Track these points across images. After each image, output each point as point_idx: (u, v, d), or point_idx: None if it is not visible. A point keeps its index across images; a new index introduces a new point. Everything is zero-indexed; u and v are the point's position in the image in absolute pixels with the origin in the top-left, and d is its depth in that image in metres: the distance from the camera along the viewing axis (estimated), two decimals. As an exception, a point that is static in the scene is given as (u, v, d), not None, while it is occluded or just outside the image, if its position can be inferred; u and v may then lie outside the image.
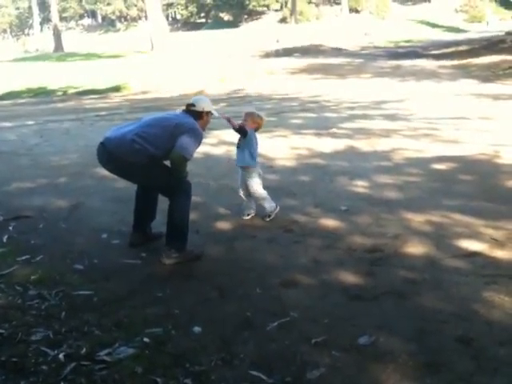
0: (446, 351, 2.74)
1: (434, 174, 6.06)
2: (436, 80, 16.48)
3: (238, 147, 4.73)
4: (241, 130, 4.56)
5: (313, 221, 4.74)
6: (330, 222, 4.68)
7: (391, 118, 9.93)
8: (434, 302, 3.25)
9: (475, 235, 4.22)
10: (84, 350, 2.85)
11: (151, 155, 3.84)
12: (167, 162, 4.01)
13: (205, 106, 4.11)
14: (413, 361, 2.67)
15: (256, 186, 4.71)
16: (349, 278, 3.63)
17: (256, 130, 4.75)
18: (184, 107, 4.15)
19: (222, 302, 3.36)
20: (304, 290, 3.49)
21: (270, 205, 4.76)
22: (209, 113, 4.14)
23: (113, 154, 3.88)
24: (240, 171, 4.81)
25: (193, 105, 4.10)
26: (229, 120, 4.46)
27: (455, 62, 21.69)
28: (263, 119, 4.82)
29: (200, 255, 4.06)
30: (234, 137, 7.24)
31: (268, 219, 4.75)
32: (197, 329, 3.04)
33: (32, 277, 3.74)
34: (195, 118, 4.04)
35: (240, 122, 4.69)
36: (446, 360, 2.67)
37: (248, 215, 4.84)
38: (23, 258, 4.10)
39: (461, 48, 27.71)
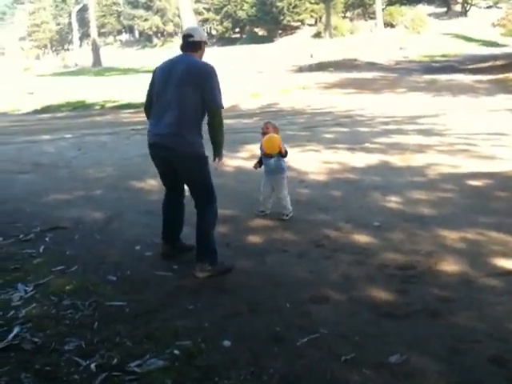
0: (478, 372, 2.69)
1: (469, 190, 5.96)
2: (472, 95, 16.24)
3: (271, 157, 5.19)
4: (284, 155, 5.20)
5: (344, 236, 4.71)
6: (361, 238, 4.65)
7: (426, 133, 9.82)
8: (467, 322, 3.18)
9: (511, 253, 4.13)
10: (115, 360, 2.89)
11: (200, 134, 3.86)
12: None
13: (202, 35, 4.02)
14: (444, 381, 2.63)
15: (285, 188, 5.27)
16: (380, 294, 3.59)
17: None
18: (182, 43, 3.99)
19: (252, 316, 3.37)
20: (334, 306, 3.47)
21: (290, 206, 5.25)
22: (205, 43, 4.05)
23: (174, 149, 3.83)
24: (269, 176, 5.29)
25: (191, 35, 3.95)
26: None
27: (492, 77, 21.36)
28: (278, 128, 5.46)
29: (231, 268, 4.07)
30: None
31: (285, 218, 5.19)
32: (226, 342, 3.05)
33: (66, 287, 3.82)
34: (195, 49, 3.95)
35: (262, 130, 5.28)
36: (478, 381, 2.62)
37: (263, 212, 5.33)
38: (58, 268, 4.18)
39: (498, 62, 27.31)
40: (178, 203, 4.31)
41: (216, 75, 3.86)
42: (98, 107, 18.43)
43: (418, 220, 5.03)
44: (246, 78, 25.85)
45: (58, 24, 77.12)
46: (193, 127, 3.84)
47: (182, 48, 4.01)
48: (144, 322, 3.31)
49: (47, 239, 4.89)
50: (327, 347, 2.96)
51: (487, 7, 65.14)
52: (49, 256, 4.48)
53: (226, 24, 69.70)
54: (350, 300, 3.54)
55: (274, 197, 5.31)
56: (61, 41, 79.76)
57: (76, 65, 53.82)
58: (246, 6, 64.42)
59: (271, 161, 5.21)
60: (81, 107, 18.58)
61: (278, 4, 60.83)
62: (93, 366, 2.85)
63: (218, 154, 3.95)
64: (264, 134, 5.17)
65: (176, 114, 3.82)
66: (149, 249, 4.50)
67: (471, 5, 63.96)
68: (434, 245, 4.41)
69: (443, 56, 37.22)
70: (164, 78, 3.92)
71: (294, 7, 61.24)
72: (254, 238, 4.75)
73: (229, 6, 66.53)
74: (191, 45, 3.97)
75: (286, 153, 5.20)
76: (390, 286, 3.70)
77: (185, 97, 3.81)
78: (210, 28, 73.57)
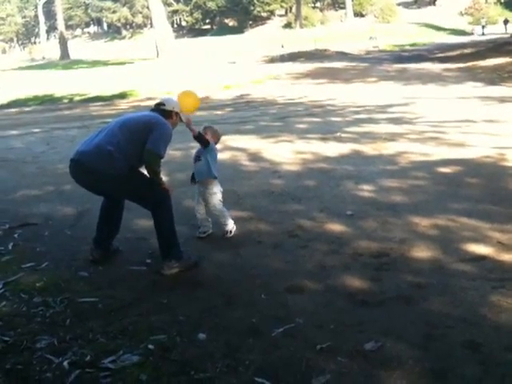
0: (452, 356, 2.72)
1: (439, 177, 6.03)
2: (441, 83, 16.43)
3: (197, 160, 4.53)
4: (201, 138, 4.35)
5: (318, 226, 4.72)
6: (335, 227, 4.66)
7: (397, 121, 9.90)
8: (440, 307, 3.22)
9: (482, 239, 4.19)
10: (88, 357, 2.85)
11: (128, 162, 3.78)
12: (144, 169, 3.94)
13: (175, 105, 4.06)
14: (419, 366, 2.65)
15: (216, 202, 4.54)
16: (355, 283, 3.61)
17: (215, 143, 4.60)
18: (153, 106, 4.11)
19: (228, 309, 3.35)
20: (309, 295, 3.47)
21: (230, 221, 4.59)
22: (178, 114, 4.08)
23: (90, 168, 3.79)
24: (198, 186, 4.59)
25: (163, 104, 4.05)
26: (189, 125, 4.20)
27: (461, 65, 21.65)
28: (221, 134, 4.77)
29: (198, 261, 4.02)
30: (239, 142, 7.21)
31: (229, 235, 4.56)
32: (202, 336, 3.03)
33: (37, 284, 3.75)
34: (164, 117, 3.97)
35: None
36: (452, 365, 2.64)
37: (204, 233, 4.57)
38: (28, 265, 4.10)
39: (466, 51, 27.70)
40: (117, 203, 4.19)
41: (168, 131, 3.87)
42: (66, 101, 18.11)
43: (390, 208, 5.06)
44: (218, 69, 25.72)
45: (24, 17, 75.57)
46: (121, 154, 3.75)
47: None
48: (118, 318, 3.26)
49: (16, 236, 4.80)
50: (303, 337, 2.96)
51: (455, -4, 65.86)
52: (18, 253, 4.39)
53: (195, 15, 69.17)
54: (326, 289, 3.54)
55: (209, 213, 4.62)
56: (27, 34, 78.25)
57: (43, 58, 52.93)
58: (215, -3, 63.97)
59: (197, 164, 4.50)
60: (49, 101, 18.23)
61: (248, -6, 60.60)
62: (65, 363, 2.80)
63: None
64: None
65: (107, 136, 3.81)
66: (121, 243, 4.42)
67: (439, -6, 64.61)
68: (406, 232, 4.44)
69: (413, 45, 37.64)
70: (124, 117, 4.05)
71: (263, -3, 61.04)
72: (227, 230, 4.71)
73: (198, -3, 65.94)
74: (160, 112, 3.99)
75: (203, 140, 4.37)
76: (364, 274, 3.72)
77: (124, 131, 3.82)
78: (180, 19, 72.97)
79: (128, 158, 3.78)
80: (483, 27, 47.21)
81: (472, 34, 45.17)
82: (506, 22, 47.15)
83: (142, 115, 4.08)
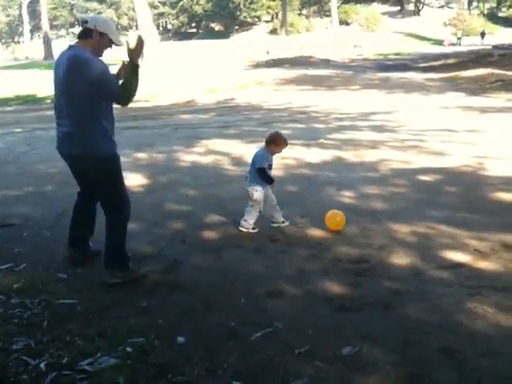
0: (429, 362, 2.75)
1: (419, 185, 6.10)
2: (424, 92, 16.63)
3: (270, 168, 4.88)
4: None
5: (299, 231, 4.74)
6: (316, 232, 4.69)
7: (379, 129, 9.99)
8: (418, 313, 3.25)
9: (460, 246, 4.25)
10: (66, 359, 2.82)
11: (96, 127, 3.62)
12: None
13: (97, 24, 3.59)
14: (396, 372, 2.67)
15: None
16: (334, 288, 3.63)
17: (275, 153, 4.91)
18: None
19: (207, 313, 3.34)
20: (289, 300, 3.49)
21: (252, 221, 4.76)
22: (104, 35, 3.61)
23: (77, 157, 3.72)
24: (268, 188, 4.82)
25: (86, 21, 3.62)
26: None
27: (443, 75, 21.94)
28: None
29: (145, 274, 3.88)
30: (222, 146, 7.24)
31: (241, 229, 4.75)
32: (181, 339, 3.02)
33: (15, 285, 3.70)
34: (84, 36, 3.60)
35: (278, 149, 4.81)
36: (428, 371, 2.67)
37: (283, 222, 4.87)
38: (6, 266, 4.05)
39: (449, 61, 28.08)
40: (88, 206, 4.08)
41: (94, 64, 3.52)
42: (49, 101, 17.92)
43: (370, 214, 5.11)
44: (203, 73, 25.73)
45: (8, 16, 74.76)
46: (89, 126, 3.60)
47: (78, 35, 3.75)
48: (96, 320, 3.24)
49: (-5, 236, 4.74)
50: (281, 341, 2.97)
51: (439, 7, 66.91)
52: (-4, 254, 4.34)
53: (181, 18, 69.14)
54: (305, 294, 3.56)
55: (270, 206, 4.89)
56: (11, 33, 77.45)
57: (27, 58, 52.44)
58: (202, 1, 64.07)
59: (271, 172, 4.89)
60: (31, 101, 18.08)
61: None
62: (42, 365, 2.78)
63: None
64: (274, 151, 4.80)
65: (68, 120, 3.65)
66: (101, 246, 4.39)
67: (424, 4, 65.55)
68: (385, 238, 4.49)
69: (396, 54, 38.04)
70: (54, 78, 3.73)
71: (250, 3, 61.34)
72: (209, 234, 4.72)
73: (185, 1, 66.01)
74: (82, 32, 3.65)
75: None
76: (343, 279, 3.74)
77: (70, 98, 3.58)
78: (166, 22, 72.86)
79: (95, 125, 3.62)
80: (459, 39, 47.93)
81: (444, 45, 45.40)
82: (482, 34, 47.90)
83: (66, 69, 3.53)
